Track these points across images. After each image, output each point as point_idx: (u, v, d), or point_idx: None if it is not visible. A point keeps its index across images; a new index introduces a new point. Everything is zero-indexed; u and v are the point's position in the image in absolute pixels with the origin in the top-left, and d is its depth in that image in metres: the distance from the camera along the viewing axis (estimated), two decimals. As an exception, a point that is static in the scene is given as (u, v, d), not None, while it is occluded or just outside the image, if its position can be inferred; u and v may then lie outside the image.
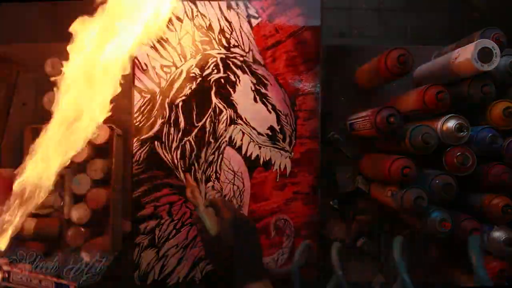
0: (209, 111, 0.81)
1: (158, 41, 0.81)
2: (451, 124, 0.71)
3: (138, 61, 0.81)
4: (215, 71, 0.82)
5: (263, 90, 0.82)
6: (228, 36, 0.82)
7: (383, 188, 0.81)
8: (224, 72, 0.82)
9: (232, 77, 0.82)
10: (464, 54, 0.69)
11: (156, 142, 0.81)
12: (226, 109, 0.81)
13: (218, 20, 0.82)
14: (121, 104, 0.93)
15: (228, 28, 0.82)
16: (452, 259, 0.86)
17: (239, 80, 0.82)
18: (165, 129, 0.81)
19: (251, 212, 0.81)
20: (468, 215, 0.72)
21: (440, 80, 0.77)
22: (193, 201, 0.74)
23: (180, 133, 0.81)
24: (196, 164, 0.81)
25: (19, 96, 0.90)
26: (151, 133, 0.81)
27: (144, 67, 0.81)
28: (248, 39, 0.82)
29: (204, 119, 0.81)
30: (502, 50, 0.71)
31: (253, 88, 0.82)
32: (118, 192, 0.87)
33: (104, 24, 0.63)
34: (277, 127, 0.82)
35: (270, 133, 0.82)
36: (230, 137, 0.81)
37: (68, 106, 0.63)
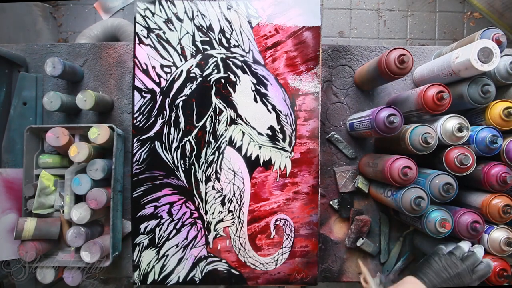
0: (209, 111, 0.81)
1: (158, 41, 0.81)
2: (451, 124, 0.71)
3: (138, 61, 0.81)
4: (215, 71, 0.82)
5: (263, 90, 0.82)
6: (228, 36, 0.82)
7: (383, 188, 0.81)
8: (224, 72, 0.81)
9: (232, 77, 0.82)
10: (464, 54, 0.69)
11: (156, 142, 0.81)
12: (226, 109, 0.81)
13: (218, 20, 0.82)
14: (121, 104, 0.93)
15: (228, 28, 0.82)
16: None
17: (239, 80, 0.82)
18: (165, 129, 0.81)
19: (251, 212, 0.81)
20: (467, 208, 0.72)
21: (440, 80, 0.77)
22: (365, 286, 0.82)
23: (180, 133, 0.81)
24: (196, 164, 0.81)
25: (19, 96, 0.90)
26: (151, 133, 0.81)
27: (144, 67, 0.81)
28: (248, 39, 0.82)
29: (204, 119, 0.81)
30: (502, 50, 0.71)
31: (253, 88, 0.82)
32: (118, 192, 0.87)
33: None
34: (277, 127, 0.82)
35: (270, 133, 0.81)
36: (230, 137, 0.81)
37: None
